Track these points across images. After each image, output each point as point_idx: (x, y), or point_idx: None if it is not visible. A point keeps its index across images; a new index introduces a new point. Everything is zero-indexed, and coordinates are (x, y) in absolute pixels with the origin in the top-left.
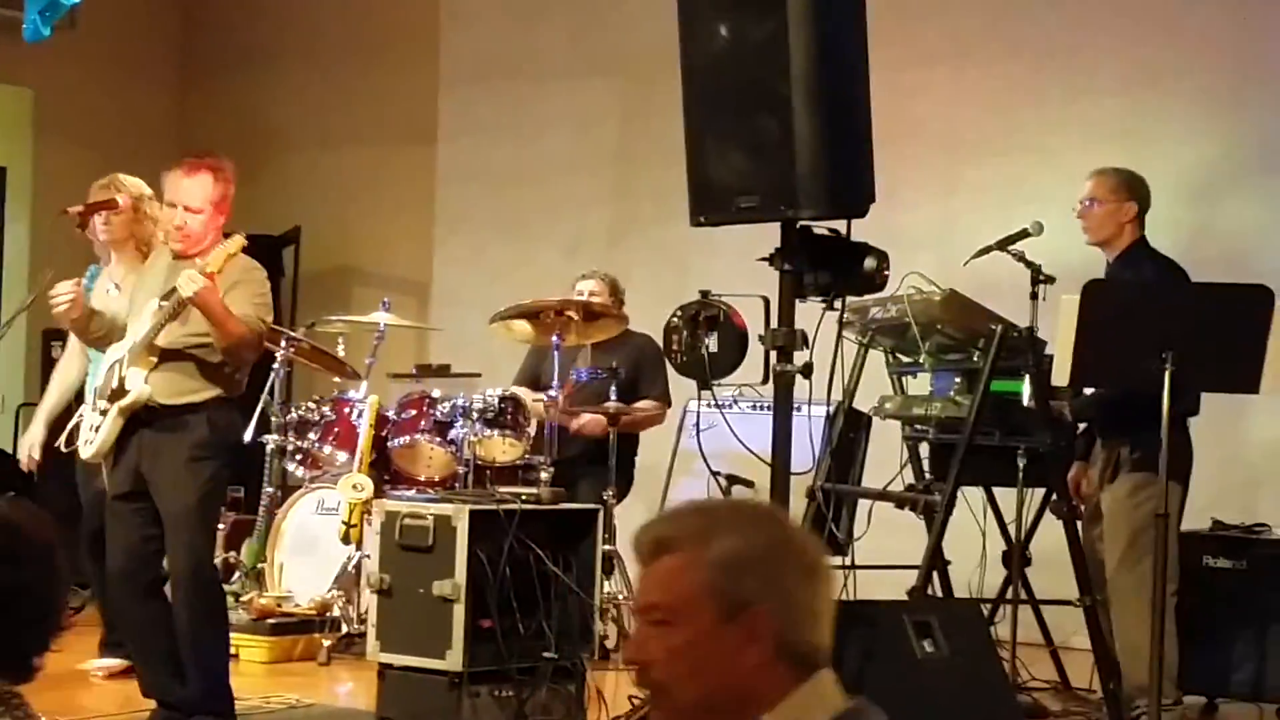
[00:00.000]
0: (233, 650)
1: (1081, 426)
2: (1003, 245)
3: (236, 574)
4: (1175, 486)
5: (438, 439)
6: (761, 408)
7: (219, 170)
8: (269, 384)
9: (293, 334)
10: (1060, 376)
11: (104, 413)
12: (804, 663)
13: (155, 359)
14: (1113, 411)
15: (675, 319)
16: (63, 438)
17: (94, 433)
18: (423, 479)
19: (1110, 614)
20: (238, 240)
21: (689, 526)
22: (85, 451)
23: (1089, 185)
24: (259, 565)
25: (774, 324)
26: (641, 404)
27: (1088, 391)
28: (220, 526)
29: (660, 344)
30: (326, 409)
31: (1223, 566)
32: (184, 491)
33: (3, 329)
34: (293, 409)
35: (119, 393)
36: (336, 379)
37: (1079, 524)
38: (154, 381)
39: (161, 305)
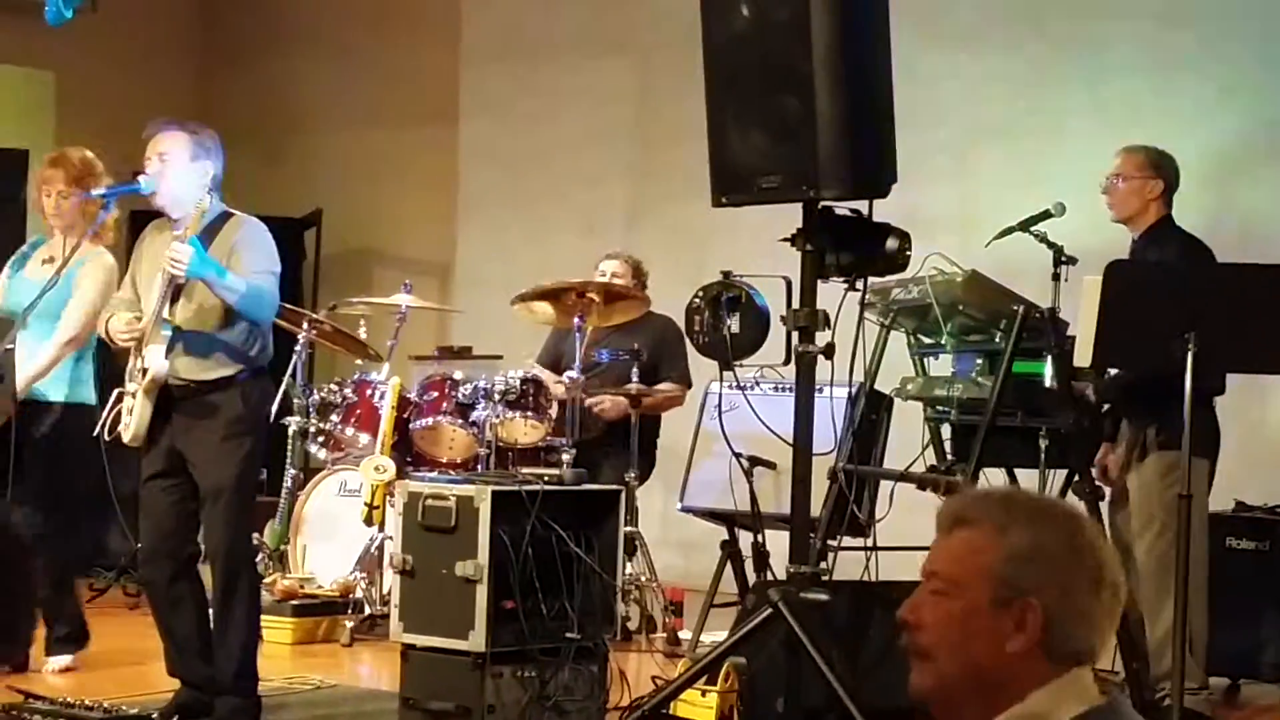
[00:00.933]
0: None
1: (1105, 408)
2: (1025, 226)
3: (260, 556)
4: (1203, 464)
5: (460, 421)
6: (783, 389)
7: (195, 132)
8: (291, 366)
9: (314, 316)
10: (1083, 357)
11: (134, 395)
12: (1064, 660)
13: (169, 334)
14: (1138, 393)
15: (697, 300)
16: (104, 425)
17: (129, 416)
18: (445, 461)
19: (1138, 599)
20: (204, 201)
21: (992, 510)
22: (125, 436)
23: (1116, 161)
24: (282, 547)
25: (795, 305)
26: (662, 386)
27: (1112, 373)
28: None
29: (680, 325)
30: (348, 391)
31: (1246, 548)
32: (221, 469)
33: (27, 313)
34: (315, 391)
35: (144, 373)
36: (358, 361)
37: (1103, 505)
38: (177, 358)
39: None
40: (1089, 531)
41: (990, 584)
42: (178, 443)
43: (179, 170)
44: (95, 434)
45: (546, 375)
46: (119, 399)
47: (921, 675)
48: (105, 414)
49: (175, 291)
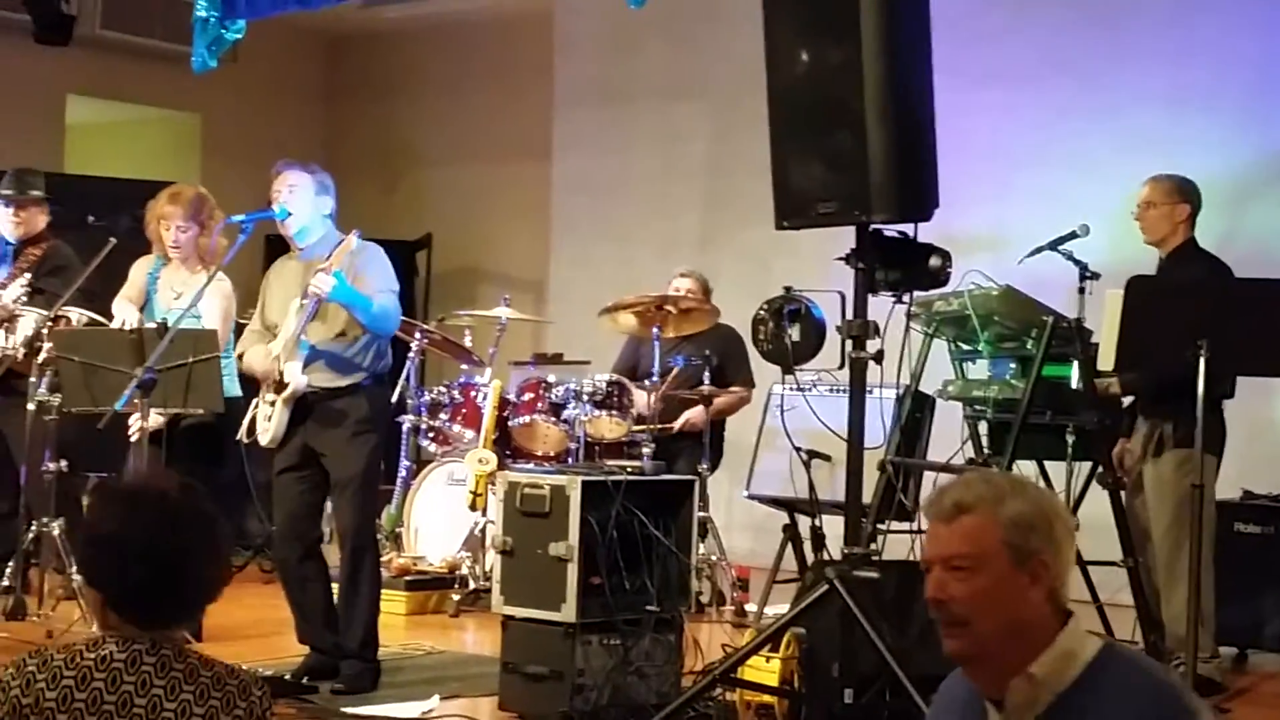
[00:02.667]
0: None
1: (1127, 402)
2: (1054, 245)
3: (378, 537)
4: (1211, 460)
5: (552, 419)
6: (838, 390)
7: (314, 172)
8: (405, 371)
9: (426, 327)
10: (1105, 362)
11: (271, 404)
12: (1063, 608)
13: (305, 352)
14: (1156, 392)
15: (762, 312)
16: (243, 430)
17: (268, 422)
18: (539, 454)
19: (1155, 577)
20: (350, 238)
21: (982, 493)
22: (263, 439)
23: (1145, 191)
24: (397, 529)
25: (849, 316)
26: (730, 390)
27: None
28: None
29: (743, 336)
30: (455, 392)
31: (1252, 532)
32: (351, 462)
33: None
34: (426, 393)
35: (281, 386)
36: (464, 366)
37: (1122, 493)
38: (312, 372)
39: (303, 304)
40: (1054, 497)
41: (1006, 550)
42: (310, 441)
43: (307, 202)
44: (237, 437)
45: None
46: (255, 406)
47: (959, 640)
48: (245, 421)
49: (314, 312)
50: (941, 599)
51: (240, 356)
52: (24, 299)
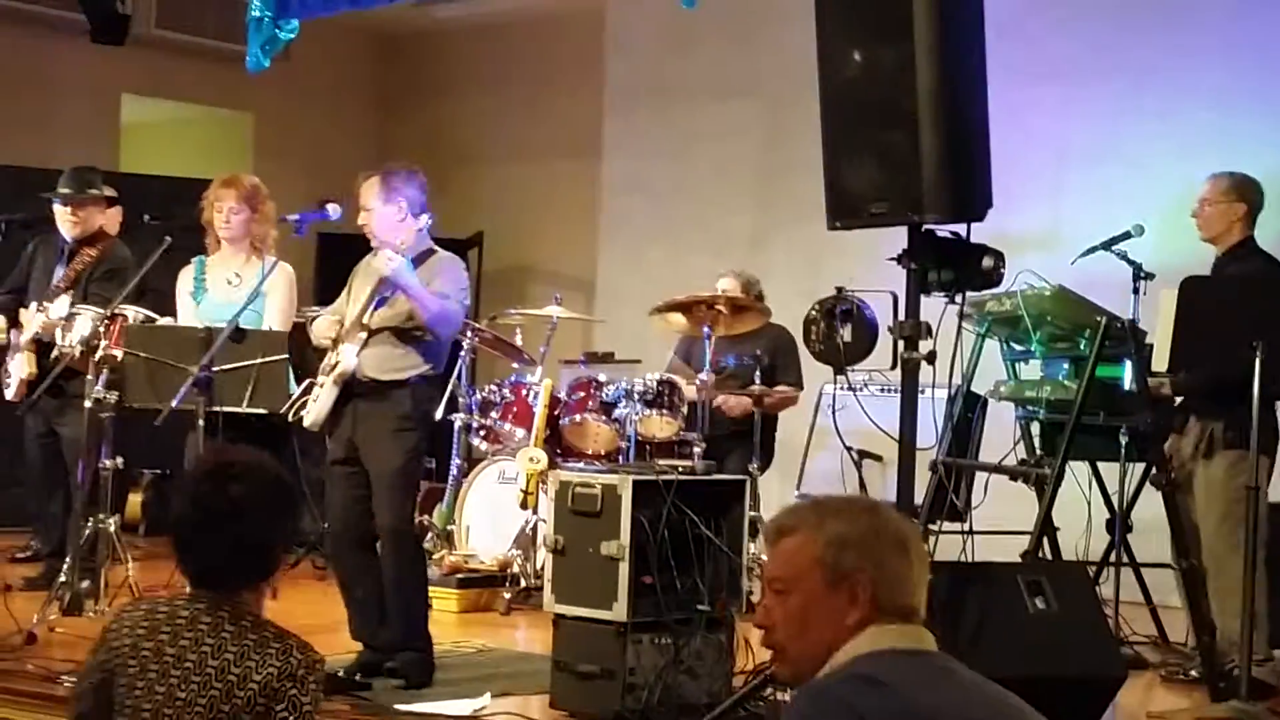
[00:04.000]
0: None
1: (1178, 401)
2: (1108, 245)
3: (429, 535)
4: (1265, 461)
5: (603, 417)
6: (890, 390)
7: (387, 174)
8: (457, 369)
9: (477, 325)
10: (1160, 363)
11: (321, 385)
12: (904, 618)
13: (365, 335)
14: (1208, 392)
15: (814, 312)
16: (291, 407)
17: (314, 403)
18: (590, 453)
19: (1207, 577)
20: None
21: (805, 516)
22: (306, 420)
23: (1204, 188)
24: (449, 527)
25: (901, 316)
26: (780, 387)
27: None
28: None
29: (793, 335)
30: (506, 391)
31: None
32: (390, 457)
33: (231, 324)
34: (477, 391)
35: (334, 367)
36: (515, 364)
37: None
38: (365, 357)
39: (372, 291)
40: (887, 514)
41: (819, 570)
42: (355, 434)
43: (380, 215)
44: (282, 411)
45: (685, 375)
46: (308, 389)
47: (779, 666)
48: (294, 399)
49: (379, 302)
50: (763, 624)
51: (309, 329)
52: (73, 313)
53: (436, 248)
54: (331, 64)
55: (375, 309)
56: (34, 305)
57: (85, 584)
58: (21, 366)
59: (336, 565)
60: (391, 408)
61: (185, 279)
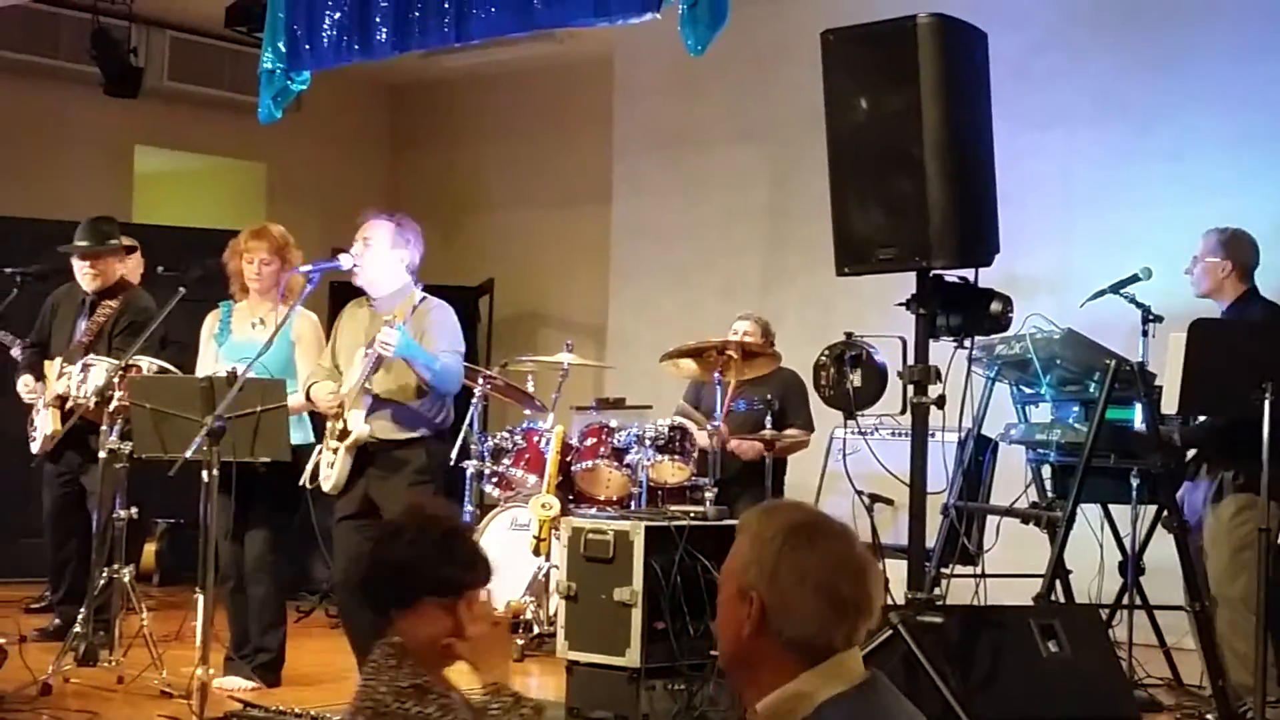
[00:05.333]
0: None
1: (1191, 452)
2: (1116, 288)
3: None
4: (1276, 507)
5: (615, 463)
6: (900, 434)
7: (400, 224)
8: (469, 416)
9: (488, 372)
10: (1169, 405)
11: (334, 451)
12: (800, 649)
13: (369, 401)
14: (1217, 439)
15: (824, 357)
16: (306, 475)
17: (330, 469)
18: (602, 499)
19: (1215, 620)
20: (414, 293)
21: (751, 521)
22: (325, 486)
23: (1199, 244)
24: None
25: (911, 361)
26: (790, 431)
27: (1198, 420)
28: None
29: (804, 379)
30: (518, 437)
31: None
32: None
33: (247, 371)
34: (489, 438)
35: (344, 433)
36: (526, 411)
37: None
38: (375, 421)
39: (367, 353)
40: (825, 546)
41: (733, 579)
42: (370, 491)
43: (380, 255)
44: (300, 483)
45: (694, 419)
46: (318, 453)
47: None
48: (309, 466)
49: (377, 364)
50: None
51: (307, 390)
52: (87, 364)
53: (422, 293)
54: (343, 114)
55: (372, 373)
56: (58, 360)
57: (100, 634)
58: (47, 423)
59: (346, 616)
60: (406, 464)
61: (210, 321)
